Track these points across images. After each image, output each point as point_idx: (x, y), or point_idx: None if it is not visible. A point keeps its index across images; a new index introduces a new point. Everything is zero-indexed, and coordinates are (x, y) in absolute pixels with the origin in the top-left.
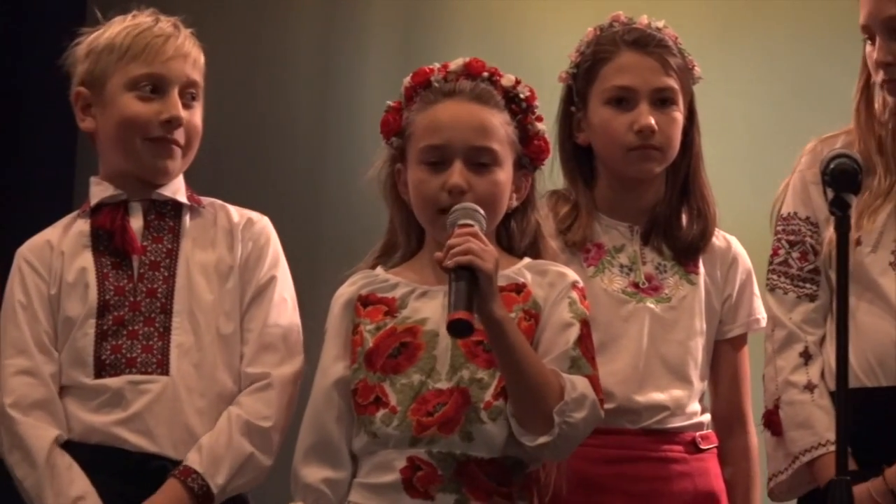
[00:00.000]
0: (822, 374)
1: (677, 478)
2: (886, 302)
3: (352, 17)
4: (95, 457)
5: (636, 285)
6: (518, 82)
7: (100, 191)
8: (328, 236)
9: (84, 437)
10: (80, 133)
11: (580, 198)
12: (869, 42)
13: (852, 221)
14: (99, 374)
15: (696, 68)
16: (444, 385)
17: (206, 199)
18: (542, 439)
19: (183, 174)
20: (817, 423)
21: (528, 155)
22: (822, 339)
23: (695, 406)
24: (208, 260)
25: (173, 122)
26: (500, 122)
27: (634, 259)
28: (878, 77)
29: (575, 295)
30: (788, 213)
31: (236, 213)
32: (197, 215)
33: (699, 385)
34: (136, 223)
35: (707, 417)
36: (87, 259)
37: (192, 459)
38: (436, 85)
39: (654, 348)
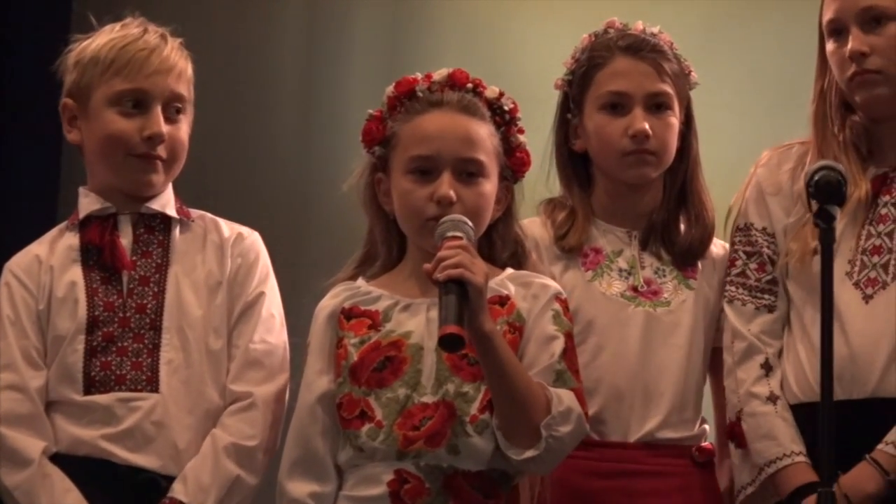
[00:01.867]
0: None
1: (673, 492)
2: (840, 315)
3: (335, 26)
4: (82, 469)
5: (635, 289)
6: (502, 94)
7: (88, 203)
8: (312, 249)
9: (71, 449)
10: (65, 142)
11: (576, 203)
12: (832, 41)
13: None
14: (88, 390)
15: (692, 73)
16: (429, 399)
17: (195, 213)
18: (529, 453)
19: (172, 186)
20: (781, 434)
21: (511, 166)
22: (781, 351)
23: (692, 414)
24: (198, 275)
25: (155, 139)
26: (486, 134)
27: (633, 263)
28: (849, 71)
29: (558, 307)
30: (745, 224)
31: (227, 227)
32: (186, 229)
33: (698, 393)
34: (126, 238)
35: (706, 428)
36: (76, 274)
37: (178, 490)
38: (420, 95)
39: (653, 353)
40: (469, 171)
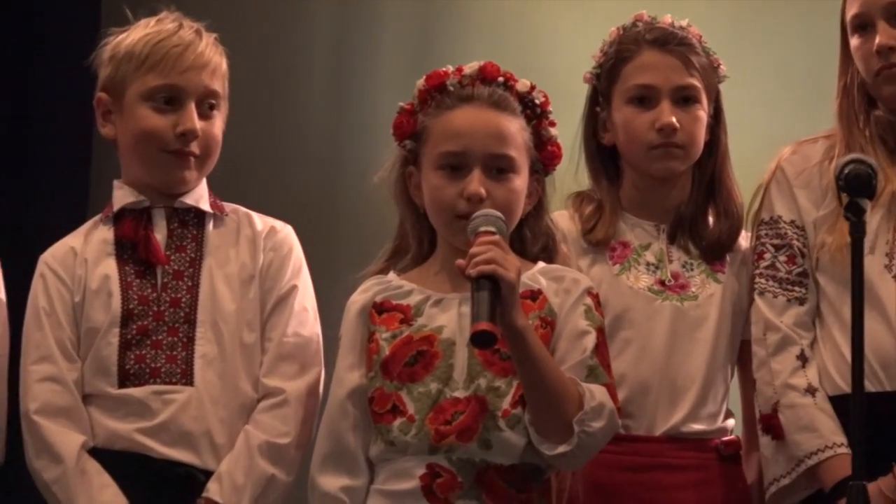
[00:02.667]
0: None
1: (700, 486)
2: (882, 306)
3: (365, 19)
4: (119, 463)
5: (662, 283)
6: (533, 88)
7: (122, 195)
8: (342, 242)
9: (108, 443)
10: (96, 135)
11: (604, 196)
12: (857, 36)
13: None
14: (123, 383)
15: (721, 67)
16: (461, 394)
17: (229, 206)
18: (562, 448)
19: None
20: (822, 426)
21: (542, 160)
22: (813, 343)
23: (719, 408)
24: (231, 269)
25: (188, 136)
26: (517, 129)
27: (661, 257)
28: (876, 66)
29: (590, 301)
30: (772, 217)
31: (260, 221)
32: (220, 223)
33: (724, 386)
34: (160, 232)
35: (731, 423)
36: (110, 267)
37: (213, 490)
38: (451, 89)
39: (680, 347)
40: (499, 167)
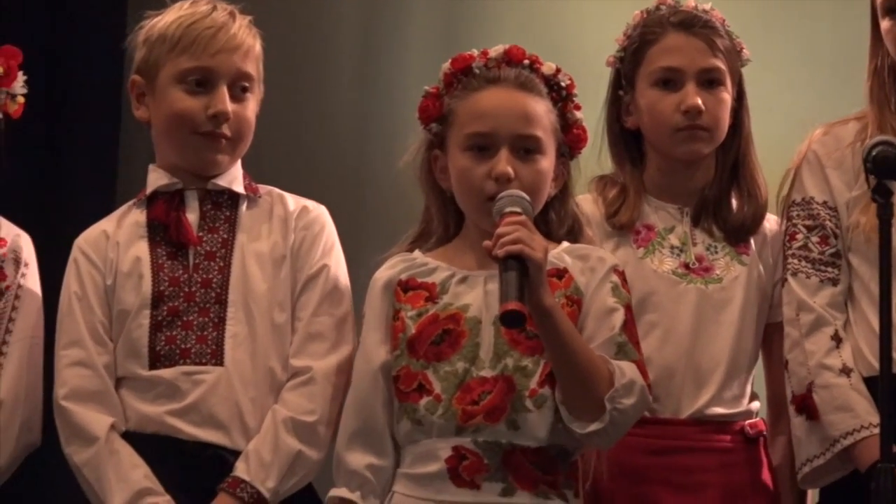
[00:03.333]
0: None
1: (725, 468)
2: None
3: (392, 3)
4: (152, 446)
5: (687, 266)
6: (559, 70)
7: (155, 178)
8: (369, 226)
9: (140, 426)
10: (124, 120)
11: (628, 179)
12: (888, 18)
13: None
14: (153, 365)
15: (744, 50)
16: (487, 373)
17: (263, 188)
18: (594, 426)
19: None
20: (857, 406)
21: (568, 143)
22: (846, 324)
23: (744, 390)
24: (263, 249)
25: (220, 117)
26: (543, 110)
27: (685, 240)
28: None
29: (616, 279)
30: (804, 198)
31: (293, 201)
32: (253, 205)
33: (749, 369)
34: (192, 213)
35: (756, 405)
36: (142, 249)
37: (240, 469)
38: (477, 71)
39: (704, 330)
40: (526, 148)
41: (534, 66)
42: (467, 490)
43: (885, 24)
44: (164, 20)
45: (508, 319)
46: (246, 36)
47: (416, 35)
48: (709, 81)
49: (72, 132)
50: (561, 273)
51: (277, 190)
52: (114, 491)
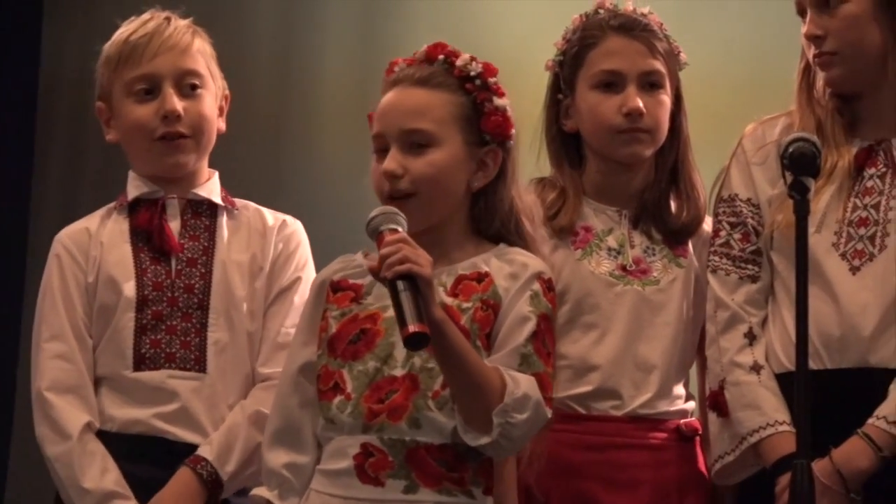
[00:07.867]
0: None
1: (660, 465)
2: (828, 285)
3: (311, 9)
4: (137, 445)
5: (624, 268)
6: (472, 59)
7: (136, 186)
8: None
9: (125, 428)
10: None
11: (567, 182)
12: (802, 19)
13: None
14: (138, 366)
15: (681, 54)
16: (399, 372)
17: (239, 202)
18: (483, 440)
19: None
20: (765, 404)
21: (489, 131)
22: (765, 321)
23: (679, 391)
24: (242, 259)
25: (170, 117)
26: (440, 102)
27: (622, 242)
28: (810, 53)
29: (538, 287)
30: (729, 195)
31: (271, 216)
32: (232, 216)
33: (686, 369)
34: (174, 221)
35: (691, 405)
36: (125, 252)
37: (205, 450)
38: (389, 76)
39: (641, 331)
40: (416, 143)
41: (449, 60)
42: (372, 487)
43: (803, 27)
44: (108, 44)
45: (414, 342)
46: (182, 35)
47: (333, 41)
48: (649, 84)
49: None
50: (482, 276)
51: (253, 204)
52: (83, 492)
